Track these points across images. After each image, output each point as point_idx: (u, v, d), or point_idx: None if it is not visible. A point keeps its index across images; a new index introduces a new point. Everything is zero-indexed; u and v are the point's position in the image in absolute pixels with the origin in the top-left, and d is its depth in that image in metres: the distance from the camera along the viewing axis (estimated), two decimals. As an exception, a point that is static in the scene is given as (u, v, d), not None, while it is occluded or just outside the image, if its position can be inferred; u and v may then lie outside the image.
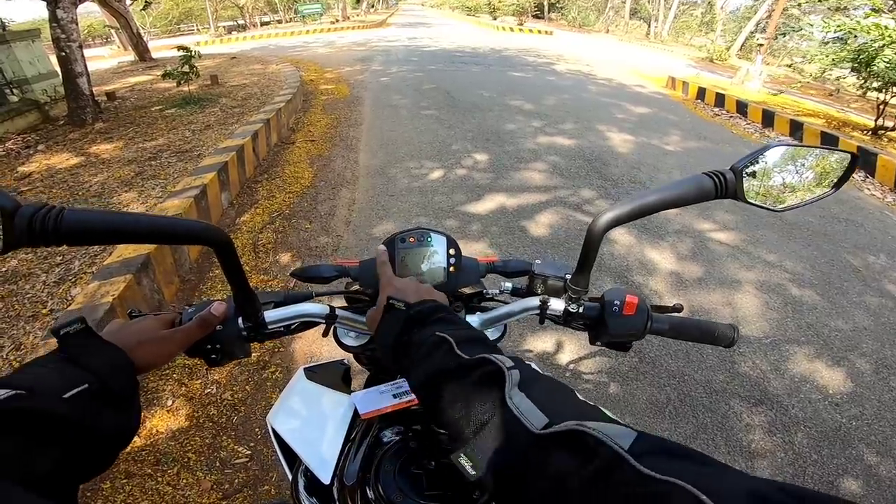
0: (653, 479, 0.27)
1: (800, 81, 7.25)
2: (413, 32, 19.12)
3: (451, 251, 0.71)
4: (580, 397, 0.41)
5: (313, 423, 0.77)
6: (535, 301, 0.66)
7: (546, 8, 27.45)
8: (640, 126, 6.06)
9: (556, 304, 0.66)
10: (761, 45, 9.88)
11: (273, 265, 2.87)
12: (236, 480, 1.65)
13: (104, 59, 13.36)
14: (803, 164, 0.60)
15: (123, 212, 0.49)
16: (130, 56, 11.34)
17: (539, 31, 19.96)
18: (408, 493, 0.55)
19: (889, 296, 2.80)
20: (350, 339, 0.73)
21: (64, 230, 0.39)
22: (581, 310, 0.65)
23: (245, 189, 3.95)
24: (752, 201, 0.56)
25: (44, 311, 2.16)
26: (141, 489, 1.60)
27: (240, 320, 0.59)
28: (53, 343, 0.45)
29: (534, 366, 0.91)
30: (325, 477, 0.65)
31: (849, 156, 0.58)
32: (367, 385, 0.80)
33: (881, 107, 6.05)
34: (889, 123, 6.16)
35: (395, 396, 0.67)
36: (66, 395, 0.38)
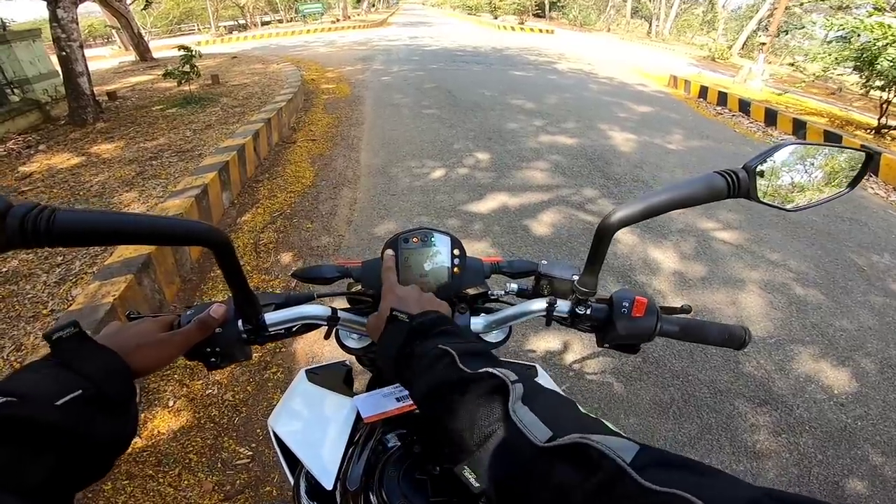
0: (654, 492, 0.27)
1: (803, 80, 7.20)
2: (414, 32, 19.10)
3: (456, 251, 0.70)
4: (582, 410, 0.41)
5: (315, 426, 0.76)
6: (541, 303, 0.65)
7: (547, 7, 27.40)
8: (642, 125, 6.04)
9: (563, 306, 0.65)
10: (763, 43, 9.84)
11: (274, 265, 2.86)
12: (238, 481, 1.64)
13: (105, 58, 13.38)
14: (816, 163, 0.59)
15: (118, 212, 0.48)
16: (131, 56, 11.35)
17: (540, 30, 19.92)
18: (412, 500, 0.54)
19: (894, 295, 2.78)
20: (352, 341, 0.72)
21: (56, 231, 0.38)
22: (589, 311, 0.63)
23: (246, 188, 3.94)
24: (765, 201, 0.55)
25: (44, 312, 2.16)
26: (142, 490, 1.59)
27: (239, 322, 0.58)
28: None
29: (539, 368, 0.90)
30: (328, 482, 0.64)
31: (863, 154, 0.57)
32: (370, 387, 0.79)
33: (884, 106, 6.01)
34: (892, 122, 6.12)
35: (398, 400, 0.66)
36: (59, 402, 0.37)
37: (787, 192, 0.58)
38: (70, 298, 2.23)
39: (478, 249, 3.02)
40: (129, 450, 1.70)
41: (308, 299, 0.67)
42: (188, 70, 5.88)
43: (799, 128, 6.12)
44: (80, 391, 0.39)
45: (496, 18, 24.86)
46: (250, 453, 1.74)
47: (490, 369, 0.42)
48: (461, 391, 0.41)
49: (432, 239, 0.69)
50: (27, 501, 0.32)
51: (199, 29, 25.51)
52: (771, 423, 1.92)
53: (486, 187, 3.95)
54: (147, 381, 2.00)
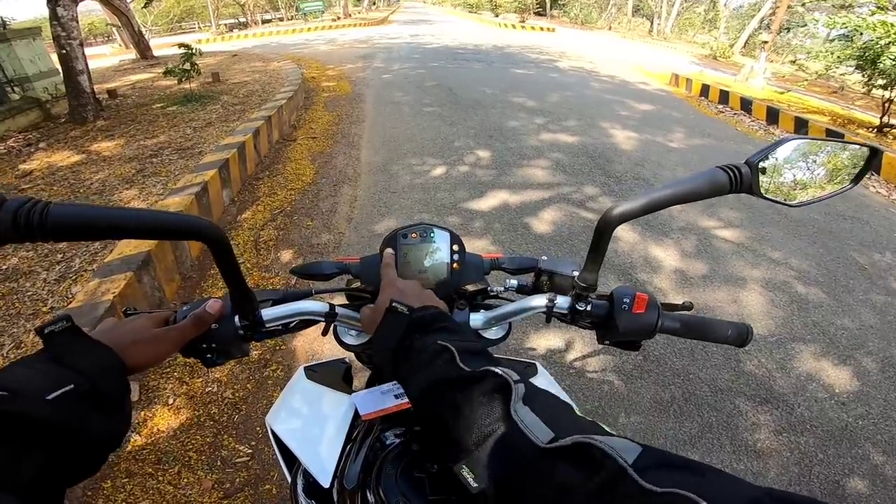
0: (655, 493, 0.27)
1: (805, 79, 7.17)
2: (415, 30, 19.06)
3: (455, 247, 0.69)
4: (578, 413, 0.41)
5: (313, 423, 0.75)
6: (541, 299, 0.64)
7: (548, 5, 27.33)
8: (643, 123, 6.03)
9: (563, 302, 0.64)
10: (765, 42, 9.81)
11: (275, 262, 2.86)
12: (237, 479, 1.64)
13: (106, 57, 13.37)
14: (819, 159, 0.58)
15: (112, 206, 0.48)
16: (132, 54, 11.35)
17: (541, 29, 19.88)
18: (410, 498, 0.53)
19: (895, 294, 2.77)
20: (351, 338, 0.72)
21: (50, 225, 0.38)
22: (589, 308, 0.63)
23: (246, 186, 3.94)
24: (768, 196, 0.54)
25: (44, 309, 2.16)
26: (142, 488, 1.59)
27: (236, 318, 0.58)
28: None
29: (538, 365, 0.89)
30: (325, 480, 0.63)
31: (867, 149, 0.56)
32: (369, 384, 0.79)
33: (886, 104, 6.00)
34: (894, 121, 6.11)
35: (396, 397, 0.65)
36: (50, 397, 0.37)
37: (789, 188, 0.57)
38: (70, 296, 2.22)
39: (478, 247, 3.01)
40: (129, 447, 1.71)
41: (306, 296, 0.66)
42: (188, 68, 5.88)
43: (801, 126, 6.11)
44: (72, 386, 0.38)
45: (497, 16, 24.81)
46: (250, 451, 1.73)
47: (491, 368, 0.42)
48: (461, 389, 0.41)
49: (431, 235, 0.69)
50: (17, 496, 0.32)
51: (199, 27, 25.48)
52: (772, 422, 1.91)
53: (487, 185, 3.94)
54: (147, 378, 2.00)
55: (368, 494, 0.56)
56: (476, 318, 0.67)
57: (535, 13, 26.94)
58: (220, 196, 3.43)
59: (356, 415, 0.70)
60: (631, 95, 7.69)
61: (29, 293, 2.27)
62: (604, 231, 0.55)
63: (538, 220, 3.38)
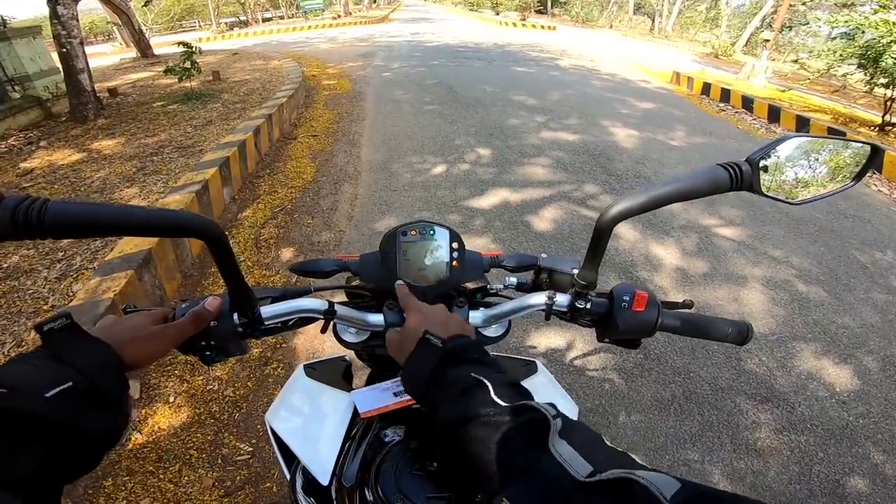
0: None
1: (807, 77, 7.16)
2: (415, 28, 19.03)
3: (454, 245, 0.69)
4: (609, 443, 0.42)
5: (312, 421, 0.75)
6: (541, 297, 0.64)
7: (549, 3, 27.27)
8: (644, 121, 6.02)
9: (563, 300, 0.64)
10: (767, 40, 9.78)
11: (275, 260, 2.86)
12: (238, 477, 1.64)
13: (106, 55, 13.36)
14: (821, 156, 0.58)
15: (109, 204, 0.48)
16: (132, 53, 11.35)
17: (542, 27, 19.83)
18: (408, 496, 0.53)
19: (897, 292, 2.76)
20: (350, 336, 0.72)
21: (48, 223, 0.38)
22: (589, 305, 0.63)
23: (247, 184, 3.94)
24: (768, 194, 0.54)
25: (45, 308, 2.16)
26: (143, 486, 1.60)
27: (235, 316, 0.57)
28: None
29: (538, 363, 0.89)
30: (324, 478, 0.63)
31: (869, 147, 0.56)
32: (369, 382, 0.79)
33: (888, 103, 5.98)
34: (896, 119, 6.10)
35: (395, 395, 0.65)
36: (49, 394, 0.37)
37: (790, 186, 0.57)
38: (71, 294, 2.23)
39: (479, 244, 3.01)
40: (130, 446, 1.71)
41: (305, 293, 0.66)
42: (189, 66, 5.87)
43: (802, 124, 6.09)
44: (71, 383, 0.38)
45: (498, 14, 24.75)
46: (251, 449, 1.74)
47: (529, 402, 0.42)
48: (498, 422, 0.41)
49: (431, 232, 0.68)
50: (15, 492, 0.32)
51: (200, 25, 25.45)
52: (772, 421, 1.91)
53: (488, 183, 3.93)
54: (148, 376, 2.00)
55: (367, 492, 0.56)
56: (475, 316, 0.67)
57: (535, 11, 26.89)
58: (220, 194, 3.43)
59: (355, 412, 0.70)
60: (632, 94, 7.68)
61: (30, 291, 2.27)
62: (603, 229, 0.54)
63: (539, 218, 3.38)
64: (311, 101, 6.80)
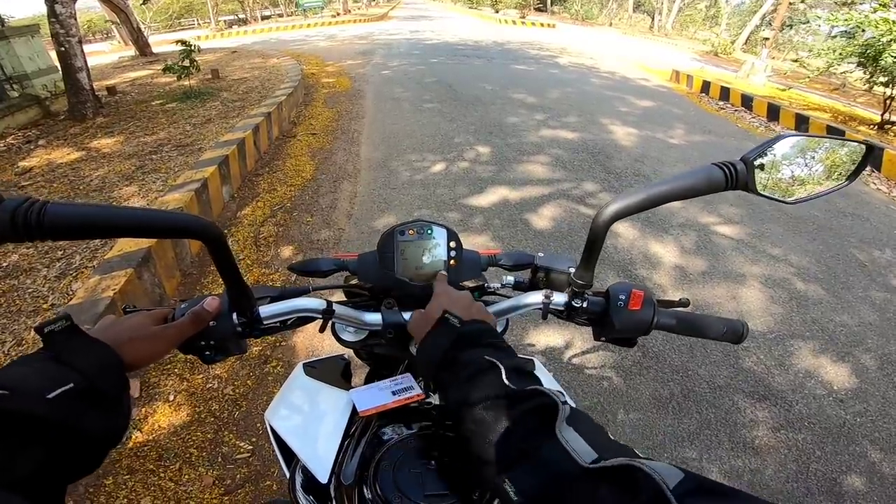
0: None
1: (806, 76, 7.14)
2: (415, 25, 18.99)
3: (452, 244, 0.69)
4: (611, 437, 0.42)
5: (311, 420, 0.76)
6: (538, 295, 0.64)
7: (548, 1, 27.21)
8: (643, 119, 6.02)
9: (560, 299, 0.64)
10: (767, 38, 9.78)
11: (275, 259, 2.86)
12: (238, 476, 1.65)
13: (105, 53, 13.32)
14: (815, 156, 0.58)
15: (109, 205, 0.48)
16: (131, 51, 11.30)
17: (542, 25, 19.80)
18: (406, 493, 0.54)
19: (894, 291, 2.77)
20: (349, 335, 0.72)
21: (48, 224, 0.38)
22: (585, 304, 0.63)
23: (246, 182, 3.94)
24: (764, 193, 0.54)
25: (45, 306, 2.16)
26: (143, 485, 1.60)
27: (234, 316, 0.58)
28: None
29: (536, 361, 0.90)
30: (323, 476, 0.64)
31: (863, 146, 0.56)
32: (367, 381, 0.79)
33: (888, 101, 5.99)
34: (895, 118, 6.10)
35: (394, 393, 0.66)
36: (50, 395, 0.37)
37: (786, 185, 0.57)
38: (70, 293, 2.23)
39: (478, 243, 3.01)
40: (130, 444, 1.72)
41: (304, 292, 0.66)
42: (188, 65, 5.86)
43: (802, 123, 6.09)
44: (72, 384, 0.39)
45: (497, 12, 24.70)
46: (250, 448, 1.74)
47: (539, 388, 0.43)
48: (507, 406, 0.42)
49: (429, 231, 0.69)
50: (16, 493, 0.32)
51: (198, 24, 25.37)
52: (770, 419, 1.92)
53: (487, 181, 3.94)
54: (148, 375, 2.01)
55: (366, 490, 0.56)
56: None
57: (535, 9, 26.82)
58: (219, 192, 3.43)
59: (354, 411, 0.71)
60: (631, 92, 7.67)
61: (30, 290, 2.27)
62: (599, 228, 0.55)
63: (538, 217, 3.38)
64: (310, 99, 6.79)
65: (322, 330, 0.67)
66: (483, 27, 19.09)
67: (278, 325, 0.63)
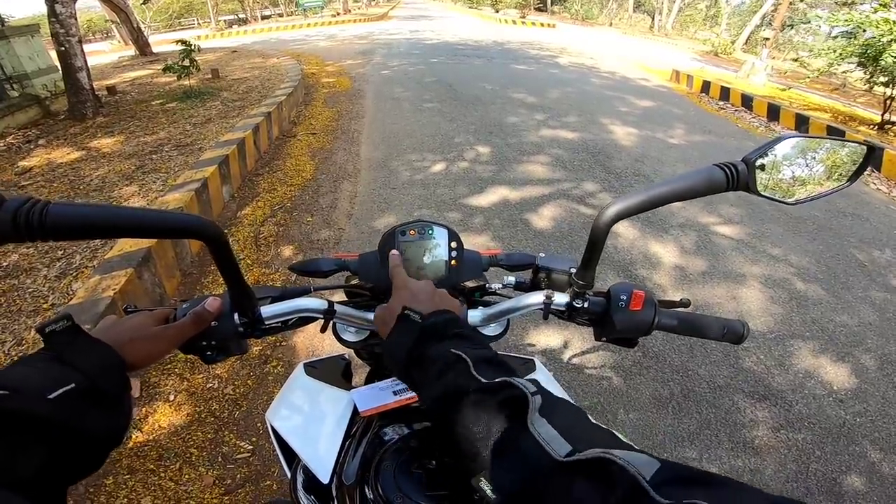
0: None
1: (806, 76, 7.14)
2: (415, 25, 18.98)
3: (453, 244, 0.69)
4: (593, 421, 0.41)
5: (312, 420, 0.76)
6: (539, 296, 0.64)
7: (549, 1, 27.21)
8: (644, 119, 6.02)
9: (561, 299, 0.64)
10: (767, 38, 9.77)
11: (275, 258, 2.86)
12: (238, 475, 1.65)
13: (105, 53, 13.32)
14: (817, 156, 0.58)
15: (110, 206, 0.48)
16: (131, 51, 11.29)
17: (542, 24, 19.80)
18: (407, 493, 0.54)
19: (894, 291, 2.77)
20: (350, 335, 0.72)
21: (49, 225, 0.38)
22: (586, 305, 0.63)
23: (246, 182, 3.94)
24: (765, 194, 0.54)
25: (45, 306, 2.16)
26: (143, 485, 1.60)
27: (235, 316, 0.58)
28: None
29: (537, 362, 0.90)
30: (324, 476, 0.64)
31: (864, 147, 0.56)
32: (368, 380, 0.79)
33: (888, 102, 5.99)
34: (895, 118, 6.10)
35: (395, 393, 0.66)
36: (52, 396, 0.37)
37: (787, 186, 0.57)
38: (71, 292, 2.23)
39: (478, 243, 3.01)
40: (131, 444, 1.72)
41: (305, 292, 0.66)
42: (188, 64, 5.85)
43: (802, 123, 6.09)
44: (73, 385, 0.39)
45: (497, 12, 24.70)
46: (251, 447, 1.74)
47: (508, 379, 0.41)
48: (477, 400, 0.41)
49: (430, 232, 0.69)
50: (18, 494, 0.32)
51: (198, 23, 25.35)
52: (770, 419, 1.92)
53: (487, 181, 3.94)
54: (148, 375, 2.01)
55: (367, 490, 0.56)
56: (474, 315, 0.67)
57: (535, 9, 26.83)
58: (219, 192, 3.43)
59: (355, 411, 0.71)
60: (631, 92, 7.67)
61: (30, 290, 2.27)
62: (600, 229, 0.55)
63: (538, 217, 3.38)
64: (310, 98, 6.79)
65: (323, 330, 0.67)
66: (483, 27, 19.09)
67: (280, 325, 0.63)
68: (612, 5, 25.07)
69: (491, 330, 0.72)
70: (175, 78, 6.06)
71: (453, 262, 0.69)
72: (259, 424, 1.83)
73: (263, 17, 24.73)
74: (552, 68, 9.58)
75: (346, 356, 0.92)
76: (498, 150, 4.65)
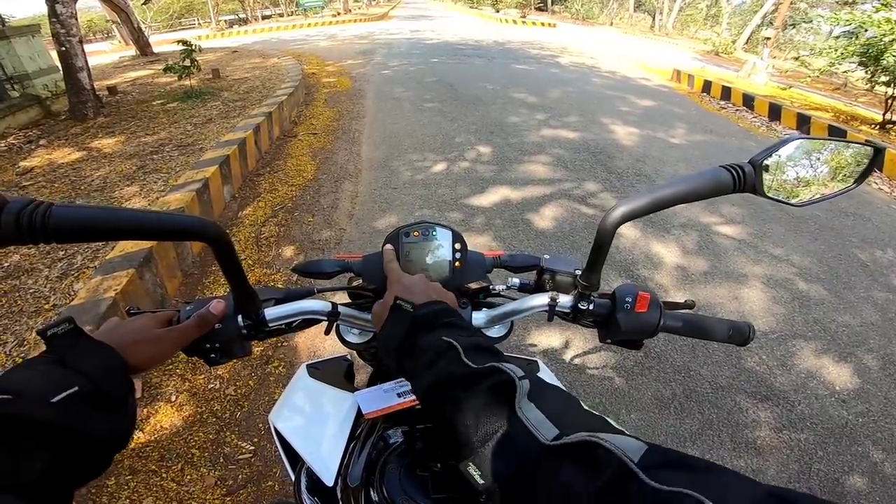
0: (661, 492, 0.27)
1: (808, 75, 7.14)
2: (415, 25, 18.98)
3: (457, 245, 0.69)
4: (585, 407, 0.41)
5: (316, 422, 0.76)
6: (544, 298, 0.64)
7: (549, 0, 27.19)
8: (645, 119, 6.01)
9: (566, 301, 0.64)
10: (768, 38, 9.77)
11: (276, 259, 2.86)
12: (240, 476, 1.65)
13: (105, 53, 13.32)
14: (823, 158, 0.58)
15: (114, 207, 0.48)
16: (131, 51, 11.30)
17: (542, 24, 19.79)
18: (412, 496, 0.54)
19: (897, 291, 2.77)
20: (353, 336, 0.72)
21: (52, 227, 0.38)
22: (591, 306, 0.63)
23: (247, 182, 3.94)
24: (772, 196, 0.54)
25: (46, 307, 2.16)
26: (145, 485, 1.60)
27: (239, 318, 0.58)
28: None
29: (540, 362, 0.89)
30: (328, 478, 0.64)
31: (871, 149, 0.56)
32: (371, 381, 0.79)
33: (889, 101, 5.98)
34: (897, 117, 6.10)
35: (399, 396, 0.66)
36: (55, 399, 0.37)
37: (793, 188, 0.57)
38: (72, 293, 2.23)
39: (480, 243, 3.01)
40: (132, 445, 1.72)
41: (308, 294, 0.66)
42: (188, 64, 5.86)
43: (803, 122, 6.09)
44: (77, 388, 0.38)
45: (498, 12, 24.69)
46: (252, 448, 1.74)
47: (496, 364, 0.41)
48: (466, 386, 0.41)
49: (433, 233, 0.69)
50: (22, 499, 0.32)
51: (199, 23, 25.36)
52: (772, 419, 1.92)
53: (488, 181, 3.93)
54: (149, 375, 2.01)
55: (372, 493, 0.56)
56: (478, 317, 0.67)
57: (536, 9, 26.83)
58: (220, 192, 3.43)
59: (359, 413, 0.71)
60: (632, 91, 7.67)
61: (31, 290, 2.27)
62: (606, 231, 0.55)
63: (539, 217, 3.38)
64: (311, 98, 6.79)
65: (328, 332, 0.67)
66: (484, 27, 19.08)
67: (283, 327, 0.63)
68: (612, 5, 25.06)
69: (494, 331, 0.72)
70: (176, 78, 6.06)
71: (457, 263, 0.69)
72: (261, 425, 1.83)
73: (264, 17, 24.73)
74: (553, 68, 9.57)
75: (349, 357, 0.92)
76: (499, 150, 4.65)
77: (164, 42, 12.12)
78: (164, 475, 1.64)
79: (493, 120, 5.64)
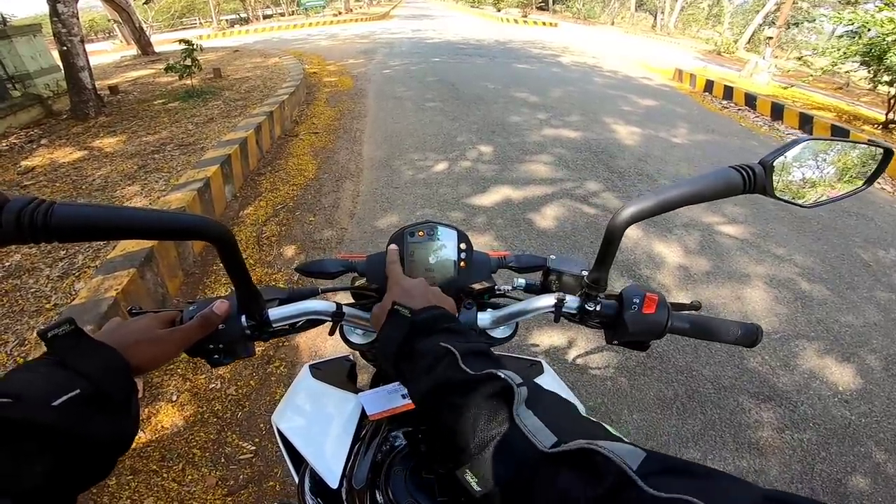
0: (659, 499, 0.27)
1: (810, 75, 7.12)
2: (417, 24, 18.97)
3: (462, 245, 0.68)
4: (583, 413, 0.41)
5: (320, 423, 0.75)
6: (550, 299, 0.64)
7: (550, 0, 27.16)
8: (646, 118, 6.00)
9: (572, 302, 0.63)
10: (770, 37, 9.74)
11: (277, 258, 2.86)
12: (241, 476, 1.64)
13: (107, 53, 13.33)
14: (832, 159, 0.57)
15: (117, 206, 0.47)
16: (133, 50, 11.31)
17: (544, 23, 19.78)
18: (418, 499, 0.53)
19: (900, 291, 2.76)
20: (357, 337, 0.71)
21: (54, 226, 0.37)
22: (598, 308, 0.62)
23: (249, 182, 3.93)
24: (782, 197, 0.53)
25: (47, 306, 2.16)
26: (146, 485, 1.60)
27: (243, 318, 0.57)
28: None
29: (544, 363, 0.89)
30: (333, 480, 0.63)
31: (881, 150, 0.56)
32: (374, 382, 0.79)
33: (892, 101, 5.96)
34: (899, 117, 6.08)
35: (403, 397, 0.65)
36: (56, 403, 0.36)
37: (803, 189, 0.56)
38: (73, 293, 2.23)
39: (482, 242, 3.00)
40: (134, 445, 1.71)
41: (312, 294, 0.66)
42: (190, 64, 5.86)
43: (805, 122, 6.07)
44: (78, 390, 0.38)
45: (499, 11, 24.67)
46: (253, 448, 1.74)
47: (494, 371, 0.41)
48: (463, 392, 0.40)
49: (438, 233, 0.68)
50: (23, 502, 0.32)
51: (200, 23, 25.37)
52: (775, 420, 1.91)
53: (490, 180, 3.93)
54: (150, 375, 2.00)
55: (378, 495, 0.56)
56: (483, 318, 0.66)
57: (537, 8, 26.79)
58: (222, 192, 3.43)
59: (363, 414, 0.70)
60: (634, 91, 7.65)
61: (32, 290, 2.27)
62: (614, 231, 0.54)
63: (541, 216, 3.37)
64: (312, 98, 6.79)
65: (332, 333, 0.66)
66: (485, 26, 19.06)
67: (287, 327, 0.62)
68: (614, 4, 25.03)
69: (499, 332, 0.71)
70: (177, 77, 6.06)
71: (462, 263, 0.68)
72: (262, 425, 1.83)
73: (265, 17, 24.73)
74: (554, 67, 9.56)
75: (351, 357, 0.91)
76: (500, 150, 4.64)
77: (165, 41, 12.13)
78: (165, 475, 1.63)
79: (495, 119, 5.63)
